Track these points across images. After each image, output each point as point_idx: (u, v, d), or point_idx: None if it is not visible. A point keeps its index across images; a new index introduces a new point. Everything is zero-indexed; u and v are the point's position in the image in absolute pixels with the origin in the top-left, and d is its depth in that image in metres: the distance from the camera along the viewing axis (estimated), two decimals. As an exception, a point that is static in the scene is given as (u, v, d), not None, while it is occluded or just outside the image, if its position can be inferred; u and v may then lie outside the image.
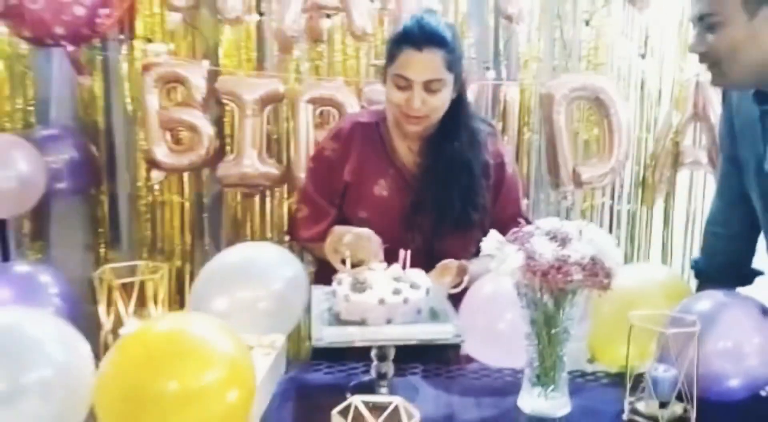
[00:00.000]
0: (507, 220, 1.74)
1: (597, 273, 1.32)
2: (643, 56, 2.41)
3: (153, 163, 2.39)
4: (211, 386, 1.14)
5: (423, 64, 1.67)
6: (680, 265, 2.50)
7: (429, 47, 1.66)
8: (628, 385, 1.39)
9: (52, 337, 1.17)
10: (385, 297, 1.37)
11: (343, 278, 1.47)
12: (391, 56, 1.71)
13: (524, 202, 1.94)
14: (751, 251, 1.72)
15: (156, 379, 1.12)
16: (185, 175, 2.48)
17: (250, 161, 2.35)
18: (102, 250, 2.58)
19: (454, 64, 1.70)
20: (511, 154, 1.93)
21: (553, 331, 1.38)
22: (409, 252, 1.50)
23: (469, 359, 1.69)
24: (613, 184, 2.46)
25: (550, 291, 1.34)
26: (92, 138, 2.51)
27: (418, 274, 1.50)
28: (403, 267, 1.51)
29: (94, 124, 2.50)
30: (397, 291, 1.39)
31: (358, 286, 1.40)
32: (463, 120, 1.77)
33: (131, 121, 2.48)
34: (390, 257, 1.55)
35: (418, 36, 1.66)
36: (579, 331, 1.46)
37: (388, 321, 1.38)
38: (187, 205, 2.49)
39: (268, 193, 2.49)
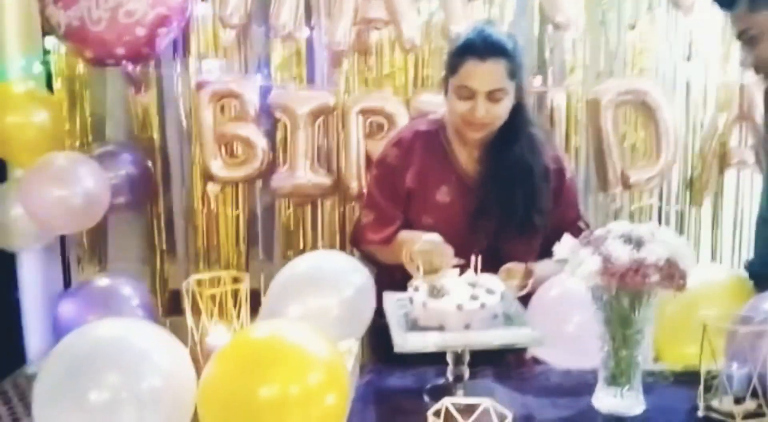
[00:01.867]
0: (568, 224, 1.78)
1: (673, 275, 1.36)
2: (687, 59, 2.43)
3: (209, 176, 2.44)
4: (310, 390, 1.18)
5: (486, 74, 1.71)
6: (729, 265, 2.50)
7: (492, 57, 1.70)
8: (703, 383, 1.41)
9: (158, 347, 1.22)
10: (462, 302, 1.41)
11: (420, 285, 1.50)
12: (453, 67, 1.75)
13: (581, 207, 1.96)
14: None
15: (257, 385, 1.16)
16: (239, 187, 2.53)
17: (303, 172, 2.40)
18: (158, 263, 2.63)
19: (515, 73, 1.74)
20: (568, 160, 1.96)
21: (628, 332, 1.41)
22: (480, 257, 1.53)
23: (535, 361, 1.72)
24: (661, 186, 2.47)
25: (627, 293, 1.37)
26: (148, 154, 2.56)
27: (492, 279, 1.54)
28: (475, 271, 1.54)
29: (149, 140, 2.56)
30: (474, 297, 1.42)
31: (436, 293, 1.44)
32: (523, 125, 1.81)
33: (186, 137, 2.54)
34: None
35: (480, 47, 1.70)
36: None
37: (467, 327, 1.41)
38: (240, 216, 2.53)
39: (319, 202, 2.53)
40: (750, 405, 1.39)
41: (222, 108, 2.45)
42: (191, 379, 1.25)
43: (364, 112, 2.39)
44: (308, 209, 2.54)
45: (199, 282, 1.52)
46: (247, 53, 2.47)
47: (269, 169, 2.45)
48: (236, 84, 2.41)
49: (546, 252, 1.59)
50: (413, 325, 1.47)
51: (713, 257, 2.53)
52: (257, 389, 1.16)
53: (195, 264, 2.58)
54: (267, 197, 2.54)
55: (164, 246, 2.61)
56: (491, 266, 1.66)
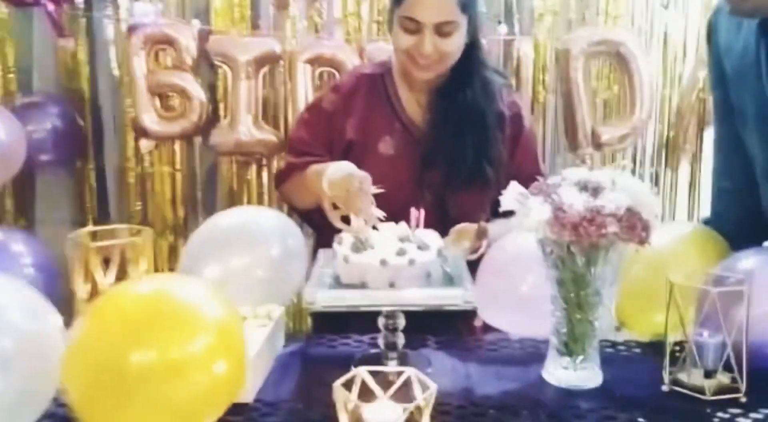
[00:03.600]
0: (525, 179, 1.56)
1: (635, 226, 1.18)
2: (665, 7, 2.31)
3: (141, 132, 2.27)
4: (195, 356, 0.99)
5: (434, 4, 1.55)
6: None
7: None
8: (668, 352, 1.24)
9: (15, 305, 1.02)
10: (387, 257, 1.23)
11: (345, 238, 1.32)
12: None
13: (542, 164, 1.80)
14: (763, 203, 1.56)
15: (132, 349, 0.97)
16: (176, 145, 2.36)
17: (245, 127, 2.24)
18: (90, 226, 2.41)
19: (468, 6, 1.57)
20: (528, 108, 1.78)
21: (582, 293, 1.24)
22: (422, 211, 1.37)
23: (487, 329, 1.56)
24: (635, 146, 2.36)
25: (581, 247, 1.20)
26: (78, 107, 2.37)
27: (428, 234, 1.36)
28: (417, 226, 1.37)
29: (79, 91, 2.36)
30: (401, 252, 1.25)
31: (359, 246, 1.26)
32: (476, 68, 1.65)
33: (118, 88, 2.35)
34: (401, 220, 1.41)
35: None
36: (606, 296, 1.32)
37: (391, 285, 1.24)
38: (179, 176, 2.36)
39: (265, 162, 2.36)
40: (722, 378, 1.22)
41: (157, 56, 2.27)
42: (58, 343, 1.05)
43: (314, 61, 2.24)
44: (253, 168, 2.36)
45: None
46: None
47: (209, 124, 2.29)
48: (171, 28, 2.23)
49: (500, 212, 1.40)
50: (335, 283, 1.29)
51: (690, 219, 2.42)
52: (128, 353, 0.96)
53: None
54: (209, 156, 2.37)
55: (96, 209, 2.43)
56: (441, 224, 1.51)
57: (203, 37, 2.23)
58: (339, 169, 1.45)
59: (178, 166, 2.35)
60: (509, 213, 1.27)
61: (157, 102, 2.25)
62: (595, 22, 2.30)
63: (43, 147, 2.26)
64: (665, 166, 2.39)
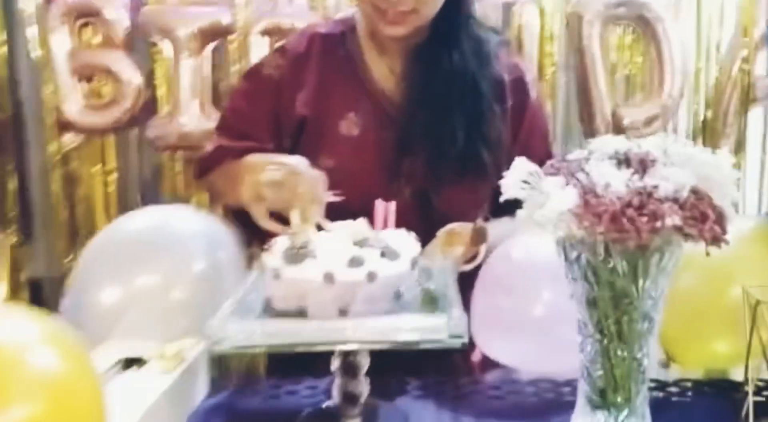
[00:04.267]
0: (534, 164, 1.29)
1: (705, 215, 0.81)
2: None
3: (65, 124, 1.94)
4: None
5: None
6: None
7: None
8: (751, 395, 0.94)
9: None
10: (335, 270, 0.85)
11: (278, 243, 0.94)
12: None
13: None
14: None
15: None
16: (109, 139, 2.02)
17: (189, 117, 1.90)
18: (14, 239, 2.08)
19: None
20: (533, 72, 1.44)
21: (626, 318, 0.88)
22: (392, 204, 1.03)
23: (488, 365, 1.24)
24: (665, 130, 2.03)
25: (625, 250, 0.82)
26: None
27: (399, 236, 0.99)
28: (384, 225, 1.01)
29: (-4, 78, 2.03)
30: (356, 262, 0.87)
31: (295, 254, 0.88)
32: (464, 21, 1.33)
33: (40, 72, 1.98)
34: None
35: None
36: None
37: (342, 312, 0.86)
38: (111, 178, 2.02)
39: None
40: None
41: (81, 31, 1.94)
42: None
43: (271, 33, 1.91)
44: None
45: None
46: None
47: (147, 112, 1.95)
48: None
49: (504, 208, 1.05)
50: (265, 309, 0.91)
51: None
52: None
53: (61, 241, 2.04)
54: (148, 151, 2.03)
55: (17, 219, 2.07)
56: (424, 226, 1.20)
57: (136, 7, 1.91)
58: (281, 167, 1.11)
59: (109, 166, 2.01)
60: (515, 208, 0.91)
61: (84, 87, 1.93)
62: None
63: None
64: None
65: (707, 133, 2.07)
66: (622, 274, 0.84)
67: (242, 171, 1.21)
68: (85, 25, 1.91)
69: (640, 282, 0.85)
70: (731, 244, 1.15)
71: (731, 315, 1.00)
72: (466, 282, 1.14)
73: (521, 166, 0.90)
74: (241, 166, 1.24)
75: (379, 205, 1.00)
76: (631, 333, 0.87)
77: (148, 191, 2.06)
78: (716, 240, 0.80)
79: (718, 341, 1.11)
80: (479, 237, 1.22)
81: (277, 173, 1.08)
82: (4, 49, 2.00)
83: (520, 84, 1.38)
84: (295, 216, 0.96)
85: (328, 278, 0.84)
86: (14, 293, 2.07)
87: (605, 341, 0.87)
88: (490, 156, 1.32)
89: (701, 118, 2.07)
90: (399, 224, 1.17)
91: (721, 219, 0.81)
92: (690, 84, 2.03)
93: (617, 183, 0.80)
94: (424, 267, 1.03)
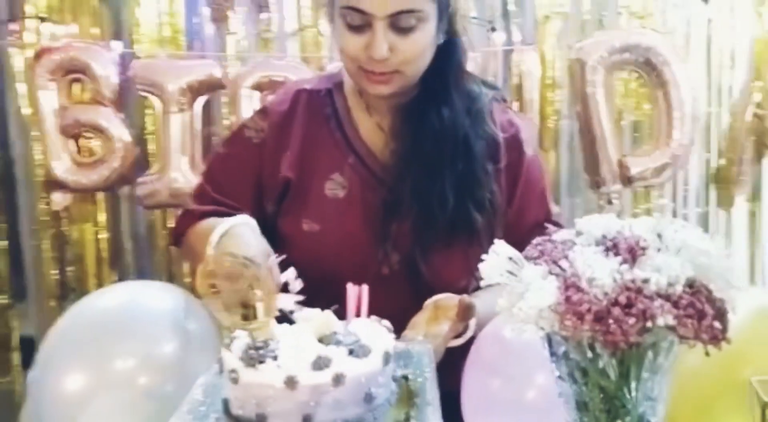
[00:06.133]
0: (530, 228, 1.28)
1: (703, 312, 0.72)
2: (706, 1, 1.98)
3: (54, 184, 1.89)
4: None
5: None
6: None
7: None
8: None
9: None
10: (297, 373, 0.78)
11: (240, 338, 0.86)
12: None
13: (554, 206, 1.40)
14: None
15: None
16: (99, 197, 1.98)
17: (179, 173, 1.86)
18: (5, 301, 2.05)
19: None
20: (530, 130, 1.39)
21: None
22: (365, 288, 0.94)
23: None
24: (675, 180, 2.02)
25: (614, 349, 0.73)
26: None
27: (370, 326, 0.90)
28: (357, 313, 0.93)
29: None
30: (321, 363, 0.79)
31: (254, 355, 0.80)
32: (454, 77, 1.27)
33: (29, 130, 1.96)
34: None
35: None
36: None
37: (306, 419, 0.78)
38: (103, 236, 1.97)
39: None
40: None
41: (71, 88, 1.91)
42: None
43: (263, 87, 1.87)
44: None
45: None
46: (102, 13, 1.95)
47: (137, 169, 1.91)
48: (83, 52, 1.85)
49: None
50: (224, 414, 0.83)
51: (751, 277, 2.05)
52: None
53: (54, 300, 2.00)
54: (138, 209, 2.00)
55: (9, 279, 2.04)
56: (412, 297, 1.18)
57: (126, 62, 1.87)
58: (230, 239, 1.06)
59: (101, 224, 1.97)
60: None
61: (72, 146, 1.89)
62: (616, 23, 2.00)
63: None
64: (716, 206, 2.07)
65: (720, 183, 2.01)
66: (613, 375, 0.76)
67: (195, 235, 1.18)
68: (75, 81, 1.88)
69: (631, 383, 0.76)
70: (743, 319, 1.10)
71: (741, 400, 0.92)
72: (454, 356, 1.08)
73: (501, 250, 0.83)
74: (196, 230, 1.21)
75: (351, 289, 0.92)
76: (626, 439, 0.79)
77: (140, 250, 2.03)
78: (715, 340, 0.72)
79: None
80: (466, 313, 1.14)
81: (224, 258, 1.00)
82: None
83: (515, 142, 1.31)
84: (259, 310, 0.88)
85: (290, 383, 0.77)
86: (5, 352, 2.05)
87: (597, 445, 0.79)
88: (482, 219, 1.26)
89: (714, 166, 2.02)
90: (387, 293, 1.10)
91: (721, 315, 0.73)
92: (701, 130, 1.99)
93: (603, 275, 0.72)
94: (403, 350, 0.96)
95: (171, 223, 1.96)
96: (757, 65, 1.97)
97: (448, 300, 1.16)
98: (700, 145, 2.03)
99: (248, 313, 0.86)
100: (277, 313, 0.88)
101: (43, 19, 1.88)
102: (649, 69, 1.90)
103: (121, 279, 2.00)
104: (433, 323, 1.13)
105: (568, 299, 0.72)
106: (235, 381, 0.80)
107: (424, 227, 1.26)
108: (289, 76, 1.82)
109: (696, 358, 1.01)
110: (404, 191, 1.26)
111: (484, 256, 0.86)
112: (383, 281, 1.18)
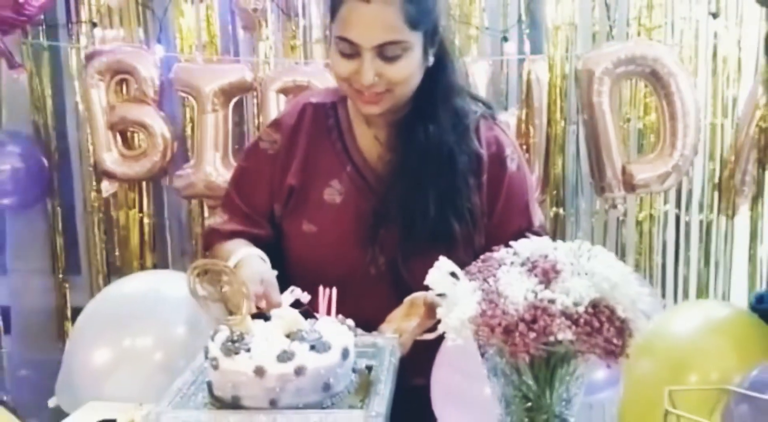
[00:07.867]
0: (511, 237, 1.21)
1: (600, 330, 0.82)
2: (714, 16, 1.96)
3: (103, 173, 2.06)
4: None
5: (372, 21, 1.23)
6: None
7: None
8: None
9: None
10: (265, 364, 0.92)
11: (221, 331, 1.01)
12: (333, 9, 1.28)
13: (539, 213, 1.44)
14: None
15: None
16: (143, 186, 2.14)
17: (212, 167, 1.99)
18: (60, 276, 2.25)
19: (419, 19, 1.25)
20: (515, 145, 1.45)
21: (539, 418, 0.89)
22: (334, 291, 1.09)
23: None
24: (679, 188, 2.02)
25: (525, 359, 0.83)
26: (44, 145, 2.19)
27: (333, 325, 1.04)
28: (328, 312, 1.07)
29: (45, 128, 2.18)
30: (285, 356, 0.93)
31: (230, 347, 0.95)
32: (443, 96, 1.34)
33: (83, 124, 2.13)
34: (346, 290, 1.14)
35: None
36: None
37: (272, 403, 0.92)
38: (147, 221, 2.13)
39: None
40: None
41: (120, 87, 2.06)
42: None
43: (289, 90, 1.96)
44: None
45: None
46: (146, 19, 2.07)
47: (177, 162, 2.06)
48: (130, 55, 2.00)
49: None
50: (209, 393, 0.98)
51: (752, 284, 2.03)
52: None
53: (101, 276, 2.19)
54: (179, 198, 2.13)
55: (64, 256, 2.24)
56: (395, 296, 1.26)
57: (169, 64, 2.01)
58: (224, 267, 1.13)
59: (145, 210, 2.13)
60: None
61: (119, 139, 2.05)
62: (624, 35, 2.00)
63: (2, 190, 2.08)
64: (718, 213, 2.04)
65: (723, 191, 2.00)
66: (530, 382, 0.86)
67: (218, 256, 1.30)
68: (121, 81, 2.03)
69: (549, 390, 0.86)
70: (697, 331, 1.18)
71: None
72: (426, 352, 1.16)
73: (443, 266, 0.94)
74: (222, 249, 1.33)
75: (322, 292, 1.06)
76: (546, 433, 0.88)
77: (178, 234, 2.18)
78: (611, 356, 0.82)
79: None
80: (432, 311, 1.16)
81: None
82: (51, 102, 2.17)
83: (498, 158, 1.38)
84: (245, 308, 1.02)
85: (259, 371, 0.91)
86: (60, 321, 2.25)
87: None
88: (461, 229, 1.32)
89: (717, 175, 2.01)
90: (373, 291, 1.22)
91: (620, 333, 0.83)
92: (705, 141, 1.98)
93: (516, 294, 0.83)
94: (370, 342, 1.10)
95: (206, 213, 2.11)
96: (762, 77, 1.94)
97: (421, 298, 1.24)
98: (704, 155, 2.02)
99: (231, 310, 1.01)
100: (254, 311, 1.03)
101: (95, 24, 2.04)
102: (654, 80, 1.89)
103: (161, 260, 2.17)
104: (406, 318, 1.22)
105: (483, 313, 0.83)
106: (215, 367, 0.95)
107: (406, 235, 1.33)
108: (312, 81, 1.92)
109: (647, 366, 1.14)
110: (392, 200, 1.34)
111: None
112: (370, 280, 1.30)
